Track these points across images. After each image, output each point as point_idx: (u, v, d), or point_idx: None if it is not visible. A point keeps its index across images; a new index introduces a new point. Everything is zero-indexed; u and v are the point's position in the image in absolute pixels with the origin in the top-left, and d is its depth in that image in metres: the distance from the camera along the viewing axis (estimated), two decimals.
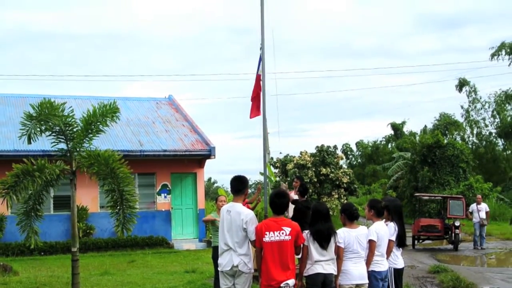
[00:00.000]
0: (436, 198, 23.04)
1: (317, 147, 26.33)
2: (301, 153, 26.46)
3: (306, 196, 10.51)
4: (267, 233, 5.89)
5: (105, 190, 9.58)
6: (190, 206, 20.65)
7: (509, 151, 40.83)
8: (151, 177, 20.18)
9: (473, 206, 19.36)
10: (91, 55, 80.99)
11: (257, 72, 10.17)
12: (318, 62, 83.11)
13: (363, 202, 30.36)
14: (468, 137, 42.68)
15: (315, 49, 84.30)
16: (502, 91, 40.40)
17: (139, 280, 12.07)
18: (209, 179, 54.41)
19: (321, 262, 6.30)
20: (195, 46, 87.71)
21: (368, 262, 6.66)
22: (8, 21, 71.07)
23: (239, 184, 6.41)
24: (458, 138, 41.52)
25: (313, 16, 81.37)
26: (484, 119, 41.54)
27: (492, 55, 39.72)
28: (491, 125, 41.28)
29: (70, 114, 9.59)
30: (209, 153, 20.03)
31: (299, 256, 6.30)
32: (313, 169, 25.34)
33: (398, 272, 7.23)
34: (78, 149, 9.66)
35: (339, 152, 28.69)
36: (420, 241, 19.51)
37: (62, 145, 9.80)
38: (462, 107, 42.28)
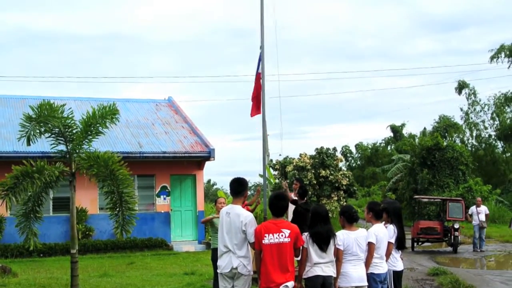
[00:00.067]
0: (436, 200, 23.08)
1: (317, 149, 26.39)
2: (300, 155, 26.51)
3: (305, 198, 10.50)
4: (267, 235, 5.89)
5: (104, 191, 9.56)
6: (189, 208, 20.62)
7: (509, 154, 40.80)
8: (151, 179, 20.16)
9: (473, 209, 19.37)
10: (91, 57, 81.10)
11: (257, 71, 10.15)
12: (318, 64, 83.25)
13: (363, 204, 30.35)
14: (468, 139, 42.68)
15: (315, 51, 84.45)
16: (502, 94, 40.56)
17: (138, 282, 12.05)
18: (209, 181, 54.50)
19: (320, 264, 6.30)
20: (194, 48, 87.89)
21: (367, 264, 6.66)
22: (8, 23, 71.18)
23: (238, 186, 6.40)
24: (458, 141, 41.50)
25: (314, 18, 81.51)
26: (483, 121, 41.60)
27: (492, 58, 39.81)
28: (490, 128, 41.36)
29: (70, 116, 9.59)
30: (209, 155, 20.01)
31: (299, 258, 6.30)
32: (313, 171, 25.38)
33: (397, 275, 7.24)
34: (77, 151, 9.65)
35: (338, 154, 28.78)
36: (420, 243, 19.48)
37: (62, 147, 9.81)
38: (461, 109, 42.41)
